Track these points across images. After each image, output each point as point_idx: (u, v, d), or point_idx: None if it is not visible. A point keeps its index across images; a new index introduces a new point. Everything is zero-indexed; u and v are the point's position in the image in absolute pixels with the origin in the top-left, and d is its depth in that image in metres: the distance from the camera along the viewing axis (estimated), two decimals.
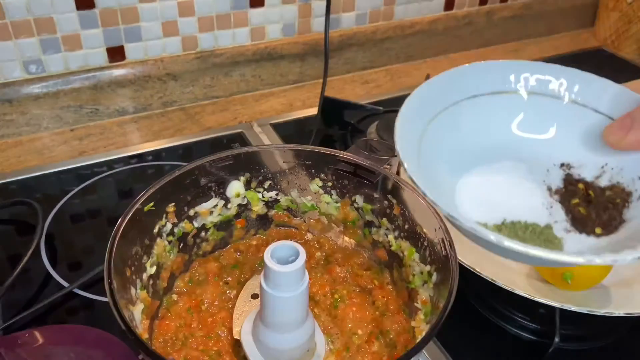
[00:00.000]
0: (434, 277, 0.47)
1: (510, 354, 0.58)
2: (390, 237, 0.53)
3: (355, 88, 1.04)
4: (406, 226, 0.51)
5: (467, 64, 0.41)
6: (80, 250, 0.66)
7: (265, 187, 0.56)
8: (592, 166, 0.39)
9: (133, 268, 0.46)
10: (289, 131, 0.88)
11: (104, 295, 0.40)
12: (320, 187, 0.56)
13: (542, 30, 1.26)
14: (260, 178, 0.56)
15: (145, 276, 0.48)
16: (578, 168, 0.40)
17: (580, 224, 0.38)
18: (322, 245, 0.58)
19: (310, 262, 0.56)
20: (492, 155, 0.41)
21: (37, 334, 0.49)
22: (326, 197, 0.56)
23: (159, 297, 0.50)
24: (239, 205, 0.56)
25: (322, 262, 0.56)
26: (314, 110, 0.89)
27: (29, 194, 0.74)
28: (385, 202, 0.53)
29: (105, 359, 0.49)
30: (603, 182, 0.39)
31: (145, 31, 0.86)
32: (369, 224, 0.55)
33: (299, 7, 0.96)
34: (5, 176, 0.76)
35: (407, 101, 0.39)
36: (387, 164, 0.61)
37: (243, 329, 0.46)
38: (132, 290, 0.45)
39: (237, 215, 0.57)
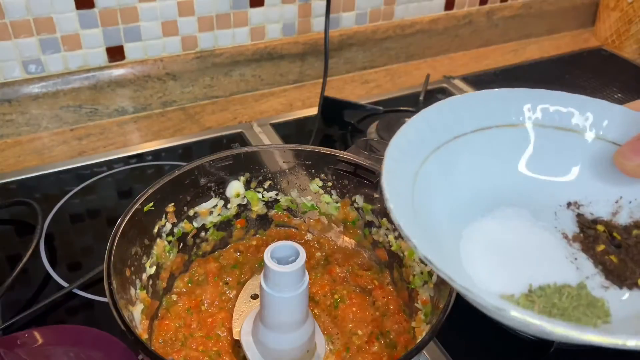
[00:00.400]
0: (434, 277, 0.47)
1: (510, 355, 0.58)
2: (391, 237, 0.53)
3: (355, 88, 1.04)
4: None
5: (462, 95, 0.36)
6: (79, 251, 0.66)
7: (265, 187, 0.56)
8: (605, 202, 0.34)
9: (132, 268, 0.46)
10: (289, 131, 0.88)
11: (104, 295, 0.40)
12: (320, 187, 0.56)
13: (543, 30, 1.26)
14: (260, 178, 0.56)
15: (144, 276, 0.48)
16: (588, 206, 0.34)
17: (617, 276, 0.32)
18: (322, 246, 0.58)
19: (310, 262, 0.56)
20: (488, 203, 0.35)
21: (36, 334, 0.49)
22: (326, 197, 0.56)
23: (158, 297, 0.50)
24: (239, 205, 0.56)
25: (322, 262, 0.56)
26: (314, 110, 0.89)
27: (29, 194, 0.74)
28: None
29: (104, 359, 0.49)
30: (623, 220, 0.33)
31: (145, 31, 0.86)
32: (369, 224, 0.55)
33: (298, 6, 0.96)
34: (5, 176, 0.76)
35: (394, 141, 0.32)
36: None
37: (243, 330, 0.46)
38: (132, 291, 0.45)
39: (237, 216, 0.57)
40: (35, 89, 0.82)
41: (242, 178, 0.55)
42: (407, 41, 1.10)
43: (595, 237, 0.33)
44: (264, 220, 0.58)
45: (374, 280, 0.54)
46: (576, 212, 0.34)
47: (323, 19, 0.88)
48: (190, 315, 0.50)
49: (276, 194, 0.57)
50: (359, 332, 0.49)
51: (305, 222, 0.58)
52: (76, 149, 0.83)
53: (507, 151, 0.35)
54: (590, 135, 0.34)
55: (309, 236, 0.59)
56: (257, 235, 0.58)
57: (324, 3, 0.86)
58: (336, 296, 0.52)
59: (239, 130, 0.88)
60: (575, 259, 0.33)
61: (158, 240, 0.50)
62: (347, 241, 0.58)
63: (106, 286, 0.40)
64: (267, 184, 0.56)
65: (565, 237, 0.34)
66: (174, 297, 0.52)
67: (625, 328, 0.29)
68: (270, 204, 0.57)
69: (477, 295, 0.26)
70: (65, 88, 0.84)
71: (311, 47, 0.99)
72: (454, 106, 0.35)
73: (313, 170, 0.55)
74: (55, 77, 0.83)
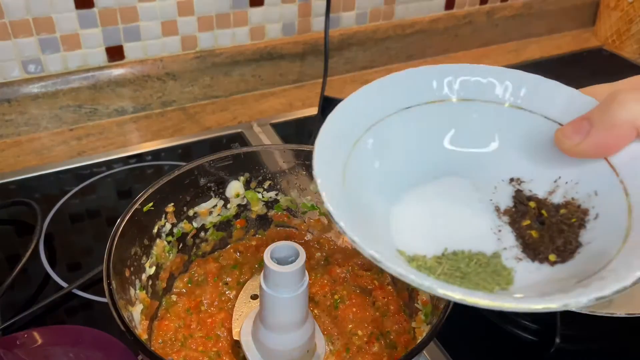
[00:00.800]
0: None
1: (510, 355, 0.58)
2: None
3: (355, 88, 1.02)
4: None
5: (387, 75, 0.37)
6: (79, 251, 0.66)
7: (265, 187, 0.56)
8: (545, 180, 0.34)
9: (132, 268, 0.46)
10: (289, 131, 0.88)
11: (103, 295, 0.40)
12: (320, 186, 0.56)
13: (543, 29, 1.26)
14: (260, 178, 0.55)
15: (144, 277, 0.48)
16: (529, 183, 0.35)
17: (533, 250, 0.33)
18: (322, 246, 0.58)
19: (310, 263, 0.56)
20: (429, 174, 0.36)
21: (36, 334, 0.49)
22: None
23: (158, 297, 0.50)
24: (239, 206, 0.56)
25: (322, 262, 0.56)
26: (314, 110, 0.89)
27: (28, 194, 0.73)
28: None
29: (104, 359, 0.49)
30: (557, 199, 0.34)
31: (145, 31, 0.86)
32: None
33: (298, 6, 0.96)
34: (4, 176, 0.76)
35: (324, 125, 0.34)
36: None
37: (243, 330, 0.46)
38: (131, 291, 0.45)
39: (237, 216, 0.57)
40: (34, 88, 0.82)
41: (241, 178, 0.55)
42: (407, 41, 1.10)
43: (524, 212, 0.34)
44: (263, 221, 0.58)
45: (374, 280, 0.54)
46: (516, 188, 0.35)
47: (323, 18, 0.88)
48: (189, 316, 0.50)
49: (276, 194, 0.57)
50: (359, 332, 0.49)
51: (305, 222, 0.58)
52: (76, 149, 0.83)
53: (437, 126, 0.36)
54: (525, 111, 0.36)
55: (308, 236, 0.59)
56: (257, 236, 0.58)
57: (324, 3, 0.86)
58: (336, 296, 0.52)
59: (239, 130, 0.88)
60: (500, 230, 0.34)
61: (158, 240, 0.50)
62: (347, 241, 0.57)
63: (106, 286, 0.40)
64: (266, 184, 0.56)
65: (497, 209, 0.35)
66: (174, 297, 0.51)
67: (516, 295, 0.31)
68: (270, 204, 0.57)
69: (379, 260, 0.27)
70: (65, 88, 0.84)
71: (311, 47, 0.99)
72: (381, 87, 0.36)
73: (313, 170, 0.55)
74: (54, 77, 0.83)
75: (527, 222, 0.34)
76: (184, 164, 0.51)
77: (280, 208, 0.58)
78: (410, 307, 0.50)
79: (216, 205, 0.54)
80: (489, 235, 0.34)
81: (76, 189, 0.74)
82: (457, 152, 0.36)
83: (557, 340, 0.55)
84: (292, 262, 0.40)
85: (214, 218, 0.55)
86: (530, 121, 0.35)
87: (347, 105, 0.35)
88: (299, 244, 0.41)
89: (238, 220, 0.57)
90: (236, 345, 0.47)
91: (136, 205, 0.47)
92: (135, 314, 0.44)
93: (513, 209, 0.35)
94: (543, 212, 0.34)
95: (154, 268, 0.49)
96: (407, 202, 0.35)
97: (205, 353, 0.47)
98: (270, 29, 0.96)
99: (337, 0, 0.98)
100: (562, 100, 0.35)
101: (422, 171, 0.36)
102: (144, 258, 0.48)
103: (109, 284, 0.40)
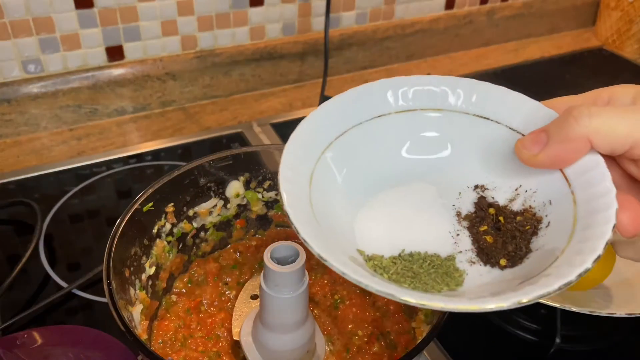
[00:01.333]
0: None
1: (511, 355, 0.58)
2: None
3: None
4: None
5: (346, 91, 0.38)
6: (79, 251, 0.66)
7: (265, 187, 0.56)
8: (507, 188, 0.36)
9: (132, 269, 0.46)
10: (289, 131, 0.87)
11: (103, 295, 0.40)
12: None
13: (543, 29, 1.26)
14: (260, 178, 0.55)
15: (144, 277, 0.48)
16: (492, 190, 0.36)
17: (486, 254, 0.34)
18: None
19: (310, 263, 0.56)
20: (393, 181, 0.37)
21: (35, 334, 0.49)
22: None
23: (158, 297, 0.50)
24: (239, 206, 0.56)
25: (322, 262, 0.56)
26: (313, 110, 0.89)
27: (28, 194, 0.73)
28: None
29: (104, 359, 0.49)
30: (516, 206, 0.35)
31: (145, 30, 0.86)
32: None
33: (298, 6, 0.96)
34: (4, 176, 0.76)
35: (292, 137, 0.35)
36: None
37: (242, 330, 0.46)
38: (131, 291, 0.45)
39: (237, 216, 0.56)
40: (34, 88, 0.82)
41: (241, 178, 0.55)
42: (407, 41, 1.10)
43: (482, 218, 0.35)
44: (263, 221, 0.58)
45: None
46: (480, 194, 0.36)
47: (323, 18, 0.88)
48: (189, 316, 0.50)
49: (276, 194, 0.57)
50: (359, 332, 0.49)
51: None
52: (75, 149, 0.83)
53: (395, 136, 0.38)
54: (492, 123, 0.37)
55: None
56: (257, 236, 0.58)
57: (324, 2, 0.86)
58: (336, 296, 0.52)
59: (239, 130, 0.88)
60: (458, 235, 0.36)
61: (157, 240, 0.50)
62: None
63: (105, 286, 0.40)
64: (266, 184, 0.56)
65: (459, 214, 0.36)
66: (174, 297, 0.51)
67: (462, 295, 0.32)
68: (270, 204, 0.57)
69: (325, 259, 0.30)
70: (65, 88, 0.84)
71: (311, 47, 0.99)
72: (342, 101, 0.37)
73: None
74: (54, 76, 0.83)
75: (484, 228, 0.35)
76: (184, 164, 0.51)
77: (280, 208, 0.58)
78: (410, 308, 0.50)
79: (216, 205, 0.54)
80: (447, 238, 0.35)
81: (76, 189, 0.74)
82: (418, 160, 0.38)
83: (558, 340, 0.55)
84: (292, 262, 0.40)
85: (213, 218, 0.55)
86: (496, 131, 0.36)
87: (311, 120, 0.36)
88: (299, 244, 0.41)
89: (238, 220, 0.57)
90: (236, 346, 0.47)
91: (136, 205, 0.47)
92: (135, 314, 0.44)
93: (473, 214, 0.36)
94: (500, 218, 0.35)
95: (153, 268, 0.49)
96: (372, 207, 0.36)
97: (205, 353, 0.47)
98: (270, 29, 0.96)
99: (337, 0, 0.98)
100: (526, 111, 0.36)
101: (386, 179, 0.37)
102: (144, 258, 0.48)
103: (109, 284, 0.40)
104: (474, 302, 0.29)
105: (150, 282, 0.49)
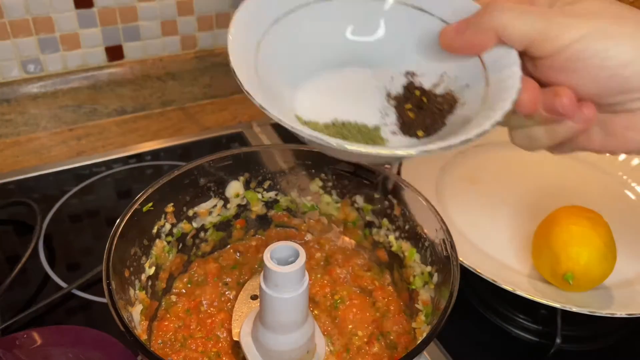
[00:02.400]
0: (435, 278, 0.47)
1: (511, 355, 0.58)
2: (391, 237, 0.53)
3: None
4: (407, 227, 0.51)
5: None
6: (78, 251, 0.66)
7: (265, 187, 0.56)
8: (433, 74, 0.40)
9: (132, 269, 0.46)
10: (289, 131, 0.88)
11: (103, 296, 0.40)
12: (320, 187, 0.56)
13: None
14: (260, 178, 0.55)
15: (144, 277, 0.48)
16: (421, 76, 0.40)
17: (407, 127, 0.39)
18: (322, 246, 0.57)
19: (310, 263, 0.56)
20: (334, 62, 0.41)
21: (35, 334, 0.49)
22: (326, 198, 0.56)
23: (157, 298, 0.50)
24: (238, 206, 0.56)
25: (322, 262, 0.56)
26: None
27: (27, 194, 0.73)
28: (386, 202, 0.53)
29: None
30: (439, 90, 0.39)
31: (144, 30, 0.86)
32: (369, 225, 0.55)
33: None
34: (3, 176, 0.76)
35: (237, 14, 0.38)
36: (388, 164, 0.60)
37: (242, 330, 0.46)
38: (131, 291, 0.45)
39: (237, 216, 0.56)
40: (34, 88, 0.82)
41: (241, 178, 0.55)
42: None
43: (408, 98, 0.40)
44: (263, 221, 0.58)
45: (374, 281, 0.54)
46: (409, 79, 0.41)
47: None
48: (189, 316, 0.50)
49: (276, 194, 0.57)
50: (359, 332, 0.49)
51: (305, 222, 0.58)
52: (75, 148, 0.83)
53: (341, 19, 0.41)
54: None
55: (308, 236, 0.58)
56: (257, 236, 0.58)
57: None
58: (336, 297, 0.52)
59: (239, 130, 0.88)
60: (386, 113, 0.40)
61: (157, 240, 0.50)
62: (347, 242, 0.57)
63: (105, 287, 0.40)
64: (266, 184, 0.56)
65: (388, 94, 0.41)
66: (173, 297, 0.51)
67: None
68: (270, 204, 0.57)
69: (276, 116, 0.33)
70: (64, 88, 0.84)
71: None
72: None
73: (313, 170, 0.55)
74: (54, 76, 0.83)
75: (409, 106, 0.40)
76: (184, 164, 0.51)
77: (280, 208, 0.58)
78: (411, 308, 0.50)
79: (216, 205, 0.54)
80: (376, 113, 0.40)
81: (75, 189, 0.74)
82: (358, 43, 0.41)
83: (558, 340, 0.55)
84: (292, 262, 0.39)
85: (213, 218, 0.55)
86: (429, 23, 0.40)
87: None
88: (299, 244, 0.41)
89: (238, 220, 0.57)
90: (236, 346, 0.47)
91: (136, 206, 0.47)
92: (135, 314, 0.44)
93: (401, 95, 0.40)
94: (424, 99, 0.40)
95: (153, 268, 0.49)
96: (313, 82, 0.40)
97: (205, 353, 0.47)
98: None
99: None
100: (457, 5, 0.39)
101: (328, 59, 0.41)
102: (144, 258, 0.48)
103: (109, 284, 0.40)
104: (389, 149, 0.34)
105: (150, 283, 0.49)
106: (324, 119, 0.39)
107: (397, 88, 0.41)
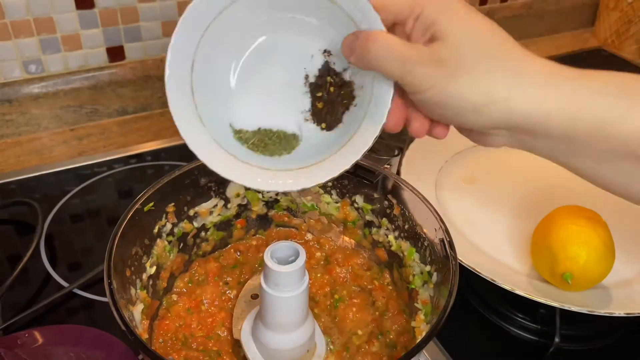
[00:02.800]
0: (434, 277, 0.47)
1: (510, 354, 0.58)
2: (391, 237, 0.53)
3: None
4: (406, 226, 0.51)
5: None
6: (79, 251, 0.66)
7: None
8: (343, 58, 0.40)
9: (133, 268, 0.46)
10: None
11: (104, 295, 0.40)
12: (320, 187, 0.56)
13: (542, 30, 1.26)
14: None
15: (145, 276, 0.48)
16: (336, 56, 0.41)
17: (317, 117, 0.42)
18: (322, 246, 0.58)
19: (310, 262, 0.56)
20: (264, 54, 0.42)
21: (36, 334, 0.49)
22: (326, 197, 0.56)
23: (158, 297, 0.50)
24: (239, 205, 0.56)
25: (322, 262, 0.56)
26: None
27: (29, 194, 0.73)
28: (386, 202, 0.53)
29: (104, 359, 0.49)
30: (347, 76, 0.41)
31: (145, 31, 0.86)
32: (369, 224, 0.55)
33: None
34: (5, 176, 0.76)
35: (168, 54, 0.42)
36: (387, 164, 0.61)
37: (243, 329, 0.46)
38: (132, 291, 0.45)
39: (237, 215, 0.57)
40: (35, 89, 0.82)
41: None
42: None
43: (320, 85, 0.42)
44: (264, 220, 0.58)
45: (374, 280, 0.54)
46: (325, 59, 0.41)
47: None
48: (190, 315, 0.50)
49: (276, 194, 0.57)
50: (359, 332, 0.49)
51: (305, 222, 0.58)
52: (76, 149, 0.83)
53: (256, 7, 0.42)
54: None
55: (309, 236, 0.59)
56: (257, 235, 0.58)
57: None
58: (336, 296, 0.52)
59: None
60: (303, 100, 0.42)
61: (158, 240, 0.50)
62: (347, 241, 0.58)
63: (106, 286, 0.40)
64: None
65: (306, 77, 0.42)
66: (174, 297, 0.52)
67: (296, 156, 0.42)
68: (270, 204, 0.57)
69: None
70: (66, 88, 0.84)
71: None
72: None
73: None
74: (55, 77, 0.83)
75: (319, 94, 0.42)
76: (185, 164, 0.51)
77: (280, 208, 0.58)
78: (410, 307, 0.50)
79: (217, 205, 0.55)
80: (295, 105, 0.42)
81: (77, 189, 0.75)
82: (282, 18, 0.42)
83: (557, 339, 0.55)
84: (292, 261, 0.40)
85: (214, 218, 0.55)
86: (337, 11, 0.40)
87: (191, 11, 0.41)
88: (299, 243, 0.41)
89: (238, 220, 0.57)
90: (236, 345, 0.47)
91: (137, 205, 0.47)
92: (136, 313, 0.44)
93: (316, 79, 0.42)
94: (331, 89, 0.41)
95: (154, 268, 0.49)
96: (243, 83, 0.42)
97: (205, 352, 0.47)
98: None
99: None
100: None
101: (256, 54, 0.42)
102: (145, 258, 0.49)
103: (110, 284, 0.40)
104: (275, 186, 0.40)
105: (151, 282, 0.49)
106: (252, 125, 0.42)
107: (315, 70, 0.42)
